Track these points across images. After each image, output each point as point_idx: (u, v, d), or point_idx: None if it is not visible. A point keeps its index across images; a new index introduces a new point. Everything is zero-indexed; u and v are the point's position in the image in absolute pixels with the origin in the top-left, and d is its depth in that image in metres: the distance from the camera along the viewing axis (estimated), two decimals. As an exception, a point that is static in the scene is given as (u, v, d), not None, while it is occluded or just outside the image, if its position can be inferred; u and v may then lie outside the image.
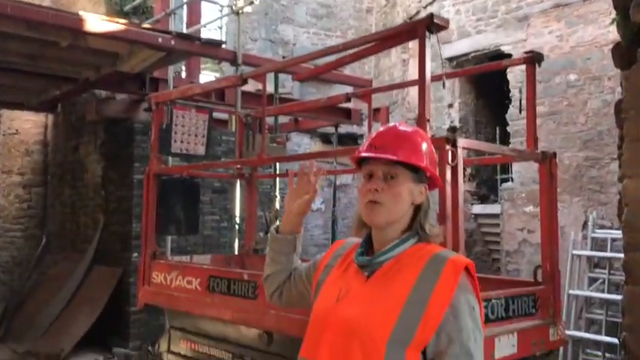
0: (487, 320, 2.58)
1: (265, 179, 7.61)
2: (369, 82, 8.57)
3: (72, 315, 7.86)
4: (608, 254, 6.83)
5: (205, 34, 8.76)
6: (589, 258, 7.19)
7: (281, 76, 6.82)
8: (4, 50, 6.43)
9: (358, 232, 1.77)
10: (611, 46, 2.84)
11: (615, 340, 6.28)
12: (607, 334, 6.58)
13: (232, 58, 6.85)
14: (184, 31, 7.64)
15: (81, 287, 8.20)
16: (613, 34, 3.72)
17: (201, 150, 4.56)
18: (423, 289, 1.55)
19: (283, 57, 10.75)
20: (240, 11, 6.86)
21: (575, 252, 7.21)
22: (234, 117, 6.32)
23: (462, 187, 2.45)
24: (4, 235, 9.95)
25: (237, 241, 6.01)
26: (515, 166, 8.28)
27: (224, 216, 8.43)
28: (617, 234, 6.14)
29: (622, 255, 3.02)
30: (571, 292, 7.10)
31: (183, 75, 8.54)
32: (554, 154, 3.06)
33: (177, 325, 4.01)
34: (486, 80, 10.01)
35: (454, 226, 2.42)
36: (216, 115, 7.79)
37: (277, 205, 6.85)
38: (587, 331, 7.07)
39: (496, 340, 2.49)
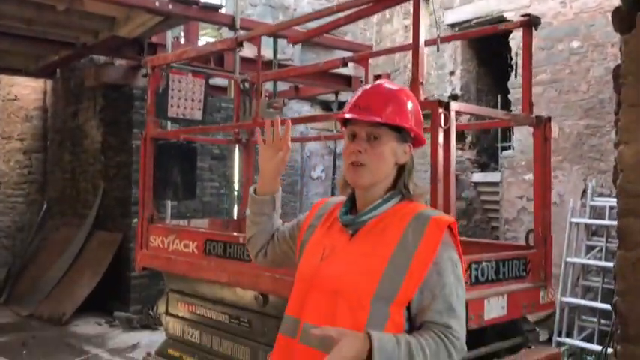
0: (477, 282, 2.62)
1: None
2: (368, 47, 8.48)
3: (73, 279, 7.96)
4: (606, 222, 6.85)
5: (205, -2, 8.65)
6: (587, 226, 7.22)
7: (282, 42, 6.76)
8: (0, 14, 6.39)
9: (343, 191, 1.78)
10: (615, 13, 2.80)
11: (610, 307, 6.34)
12: (602, 301, 6.65)
13: (230, 23, 6.78)
14: (182, -5, 7.55)
15: (82, 252, 8.29)
16: (617, -1, 3.66)
17: (198, 115, 4.55)
18: (407, 246, 1.57)
19: (284, 23, 10.61)
20: (239, -25, 6.76)
21: (573, 220, 7.24)
22: (233, 83, 6.29)
23: (454, 150, 2.45)
24: (6, 200, 10.01)
25: (236, 206, 6.04)
26: (516, 134, 8.26)
27: (223, 182, 8.47)
28: (616, 202, 6.15)
29: (620, 222, 3.03)
30: (568, 259, 7.15)
31: (182, 41, 8.47)
32: (549, 119, 3.04)
33: (175, 288, 4.06)
34: (488, 47, 9.91)
35: (445, 189, 2.42)
36: (215, 81, 7.78)
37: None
38: (583, 298, 7.14)
39: (485, 302, 2.52)
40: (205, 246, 3.64)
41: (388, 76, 8.92)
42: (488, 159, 10.33)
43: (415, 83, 2.52)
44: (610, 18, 3.28)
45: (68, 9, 6.11)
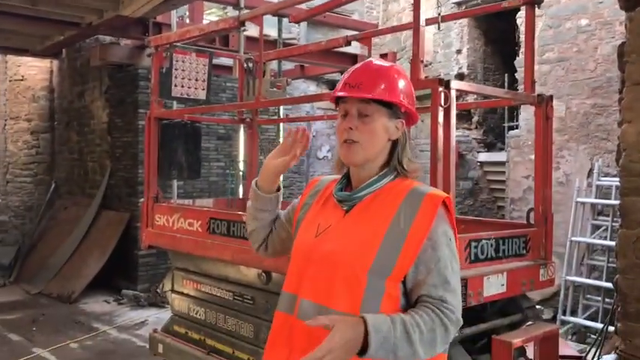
0: (476, 260, 2.63)
1: (270, 127, 7.63)
2: (374, 26, 8.42)
3: (82, 258, 8.06)
4: (612, 201, 6.83)
5: (210, -23, 8.60)
6: (593, 205, 7.21)
7: (287, 22, 6.73)
8: (3, -7, 6.38)
9: (339, 169, 1.79)
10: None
11: (615, 286, 6.36)
12: (608, 281, 6.66)
13: (235, 2, 6.74)
14: (187, -27, 7.51)
15: (90, 231, 8.37)
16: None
17: (202, 94, 4.55)
18: (402, 221, 1.59)
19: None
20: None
21: (579, 199, 7.23)
22: (237, 62, 6.28)
23: (455, 129, 2.45)
24: (14, 180, 10.11)
25: (241, 186, 6.07)
26: (522, 114, 8.21)
27: (229, 162, 8.50)
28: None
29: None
30: (573, 238, 7.17)
31: (187, 21, 8.45)
32: (551, 97, 3.03)
33: (180, 266, 4.10)
34: (496, 26, 9.82)
35: (445, 168, 2.43)
36: (222, 61, 7.77)
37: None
38: (588, 277, 7.16)
39: (485, 279, 2.54)
40: (209, 225, 3.67)
41: (394, 54, 8.89)
42: (494, 138, 10.30)
43: (415, 62, 2.52)
44: (617, -5, 3.25)
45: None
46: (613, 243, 6.66)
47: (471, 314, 2.51)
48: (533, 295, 7.00)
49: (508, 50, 9.36)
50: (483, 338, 2.75)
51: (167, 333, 4.08)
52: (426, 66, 9.72)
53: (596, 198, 7.17)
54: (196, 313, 3.87)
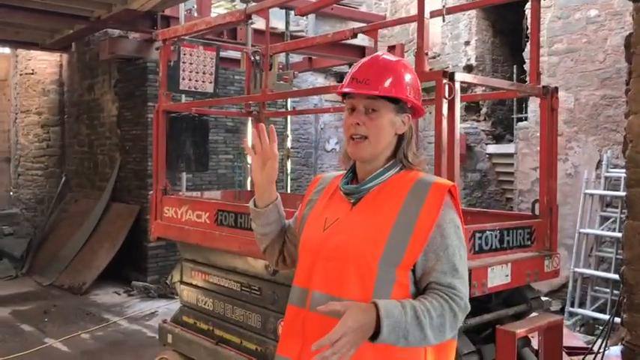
0: (481, 251, 2.65)
1: (278, 119, 7.65)
2: (381, 18, 8.41)
3: (93, 250, 8.14)
4: (621, 193, 6.81)
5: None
6: (602, 197, 7.19)
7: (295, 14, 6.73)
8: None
9: (345, 163, 1.81)
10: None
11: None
12: (616, 272, 6.64)
13: (242, -6, 6.75)
14: (195, -34, 7.54)
15: (100, 224, 8.46)
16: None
17: (209, 87, 4.57)
18: (410, 211, 1.61)
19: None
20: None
21: (587, 191, 7.21)
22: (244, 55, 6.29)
23: (459, 121, 2.46)
24: (26, 173, 10.21)
25: (249, 178, 6.11)
26: (531, 105, 8.18)
27: (237, 155, 8.54)
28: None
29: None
30: (582, 230, 7.16)
31: (195, 14, 8.47)
32: (556, 89, 3.03)
33: (189, 257, 4.14)
34: (504, 17, 9.77)
35: (449, 160, 2.44)
36: (230, 54, 7.79)
37: (289, 144, 6.91)
38: (596, 269, 7.16)
39: (489, 270, 2.56)
40: (217, 216, 3.70)
41: (402, 46, 8.86)
42: (503, 130, 10.27)
43: (420, 54, 2.53)
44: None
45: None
46: (621, 235, 6.68)
47: (476, 305, 2.52)
48: (541, 287, 7.02)
49: (517, 41, 9.32)
50: (488, 328, 2.77)
51: (176, 323, 4.13)
52: (434, 57, 9.72)
53: (604, 189, 7.15)
54: (205, 304, 3.91)
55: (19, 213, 10.11)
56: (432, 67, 9.72)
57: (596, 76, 7.46)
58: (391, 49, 8.99)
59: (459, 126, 2.44)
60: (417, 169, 1.73)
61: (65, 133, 10.37)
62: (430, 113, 2.91)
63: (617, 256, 6.81)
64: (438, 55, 10.16)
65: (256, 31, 6.92)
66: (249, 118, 5.46)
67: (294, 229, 1.90)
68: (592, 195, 7.21)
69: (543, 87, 2.99)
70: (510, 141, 9.58)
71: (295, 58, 9.25)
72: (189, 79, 4.45)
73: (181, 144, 4.44)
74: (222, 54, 5.66)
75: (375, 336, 1.47)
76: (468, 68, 9.73)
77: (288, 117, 6.97)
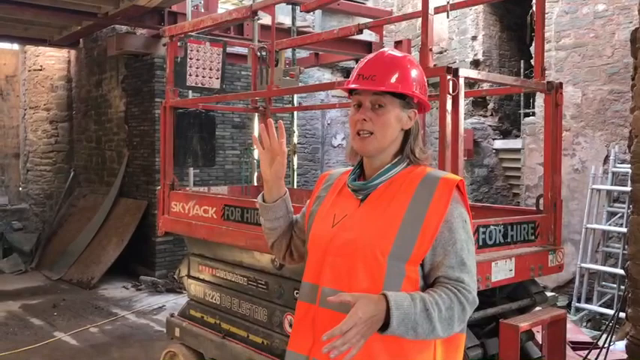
0: (485, 246, 2.66)
1: (284, 115, 7.67)
2: (388, 13, 8.40)
3: (101, 245, 8.21)
4: (628, 188, 6.78)
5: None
6: (609, 192, 7.17)
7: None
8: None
9: (352, 158, 1.82)
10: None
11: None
12: (623, 268, 6.63)
13: (249, -10, 6.77)
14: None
15: (109, 219, 8.52)
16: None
17: (216, 84, 4.60)
18: (418, 206, 1.63)
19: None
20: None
21: (594, 186, 7.20)
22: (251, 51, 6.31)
23: (463, 116, 2.47)
24: (34, 168, 10.29)
25: (255, 173, 6.13)
26: (538, 100, 8.15)
27: (244, 150, 8.57)
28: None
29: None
30: (589, 225, 7.14)
31: (202, 10, 8.49)
32: (561, 85, 3.03)
33: (196, 252, 4.18)
34: (512, 12, 9.73)
35: (453, 156, 2.45)
36: (237, 50, 7.82)
37: (296, 140, 6.93)
38: (603, 264, 7.14)
39: (493, 265, 2.57)
40: (224, 211, 3.73)
41: (409, 42, 8.86)
42: (510, 125, 10.25)
43: (424, 50, 2.54)
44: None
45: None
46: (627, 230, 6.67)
47: (480, 299, 2.53)
48: (548, 283, 6.99)
49: (524, 36, 9.28)
50: (492, 322, 2.79)
51: (184, 317, 4.18)
52: (440, 53, 9.67)
53: (612, 185, 7.12)
54: (212, 298, 3.95)
55: (28, 208, 10.19)
56: (439, 62, 9.70)
57: (603, 71, 7.42)
58: (398, 44, 9.01)
59: (462, 122, 2.46)
60: (425, 165, 1.75)
61: (73, 128, 10.44)
62: (437, 109, 2.93)
63: (624, 252, 6.77)
64: (445, 51, 10.14)
65: (263, 27, 6.94)
66: (256, 114, 5.50)
67: (301, 225, 1.92)
68: (599, 190, 7.19)
69: (548, 83, 2.99)
70: (517, 136, 9.56)
71: (302, 53, 9.26)
72: (196, 75, 4.48)
73: (188, 140, 4.47)
74: (229, 49, 5.68)
75: (384, 327, 1.48)
76: (475, 63, 9.71)
77: (295, 112, 6.98)
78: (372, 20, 4.60)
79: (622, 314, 4.08)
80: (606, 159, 7.35)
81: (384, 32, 4.50)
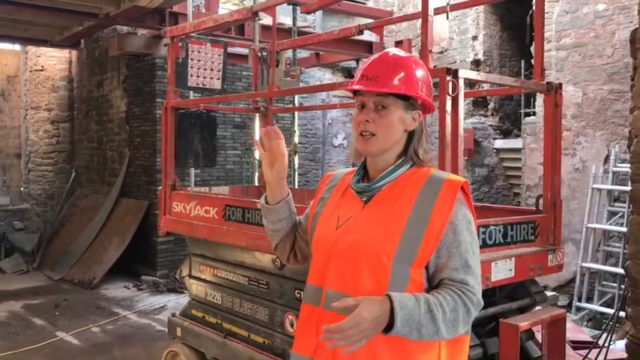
0: (485, 246, 2.67)
1: (285, 115, 7.69)
2: (388, 14, 8.42)
3: (102, 245, 8.23)
4: (629, 188, 6.77)
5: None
6: (609, 192, 7.18)
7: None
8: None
9: (356, 159, 1.81)
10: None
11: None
12: (623, 267, 6.64)
13: (250, -9, 6.79)
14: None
15: (110, 219, 8.54)
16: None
17: (217, 84, 4.61)
18: (423, 208, 1.62)
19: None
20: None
21: (595, 186, 7.21)
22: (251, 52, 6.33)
23: (462, 117, 2.49)
24: (36, 169, 10.31)
25: (256, 173, 6.15)
26: (539, 100, 8.16)
27: (245, 151, 8.59)
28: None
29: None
30: (589, 225, 7.15)
31: (203, 11, 8.51)
32: (560, 85, 3.04)
33: (197, 252, 4.19)
34: (512, 12, 9.74)
35: (453, 157, 2.47)
36: (238, 50, 7.84)
37: (297, 140, 6.94)
38: (604, 263, 7.15)
39: (493, 265, 2.58)
40: (225, 212, 3.74)
41: (409, 42, 8.87)
42: (511, 125, 10.26)
43: (424, 51, 2.55)
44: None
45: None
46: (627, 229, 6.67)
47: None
48: (549, 282, 7.00)
49: (524, 36, 9.29)
50: (492, 322, 2.80)
51: (185, 317, 4.19)
52: (441, 53, 9.69)
53: (612, 184, 7.13)
54: (213, 298, 3.97)
55: (30, 208, 10.21)
56: (440, 62, 9.71)
57: (604, 71, 7.44)
58: (398, 44, 9.01)
59: (462, 122, 2.47)
60: (428, 166, 1.74)
61: (75, 129, 10.46)
62: (437, 109, 2.94)
63: (625, 251, 6.79)
64: (446, 50, 10.15)
65: (264, 27, 6.96)
66: (257, 114, 5.51)
67: (305, 226, 1.91)
68: (600, 190, 7.21)
69: (547, 83, 3.00)
70: (518, 136, 9.57)
71: (303, 53, 9.28)
72: (197, 76, 4.50)
73: (190, 140, 4.48)
74: (230, 49, 5.70)
75: (388, 328, 1.48)
76: (476, 63, 9.72)
77: (296, 112, 7.00)
78: (372, 21, 4.61)
79: (622, 313, 4.09)
80: (607, 158, 7.36)
81: (384, 32, 4.52)
